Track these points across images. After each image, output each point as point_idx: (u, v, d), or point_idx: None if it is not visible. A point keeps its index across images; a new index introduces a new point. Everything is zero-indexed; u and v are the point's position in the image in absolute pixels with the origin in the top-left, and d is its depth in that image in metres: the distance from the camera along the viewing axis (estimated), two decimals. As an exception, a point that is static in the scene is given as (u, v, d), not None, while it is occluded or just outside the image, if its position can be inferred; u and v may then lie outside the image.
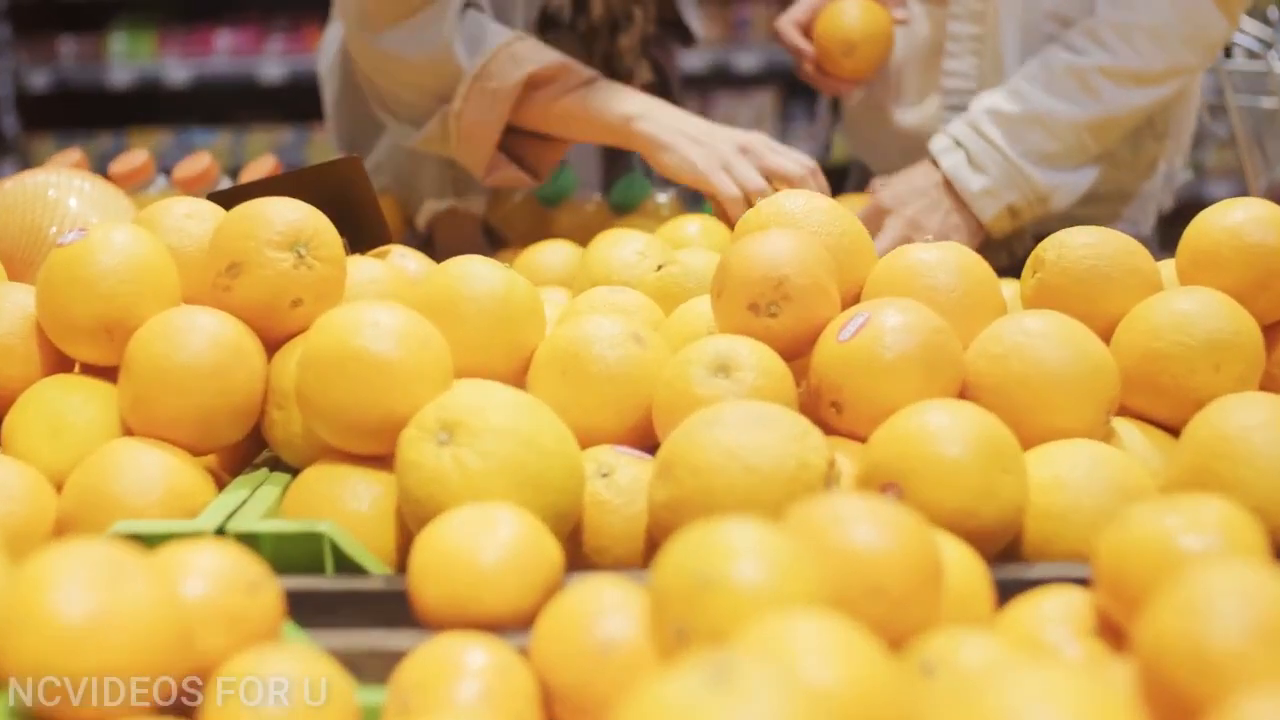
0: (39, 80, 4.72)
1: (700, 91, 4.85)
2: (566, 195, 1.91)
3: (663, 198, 1.95)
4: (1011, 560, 0.97)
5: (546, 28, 1.83)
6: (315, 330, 1.01)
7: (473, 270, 1.11)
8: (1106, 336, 1.10)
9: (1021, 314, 1.09)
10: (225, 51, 4.75)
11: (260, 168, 1.94)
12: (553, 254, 1.59)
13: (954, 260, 1.13)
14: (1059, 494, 0.97)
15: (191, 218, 1.21)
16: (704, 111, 4.91)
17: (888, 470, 0.94)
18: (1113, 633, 0.79)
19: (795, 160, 1.56)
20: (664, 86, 2.03)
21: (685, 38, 2.06)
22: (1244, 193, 2.20)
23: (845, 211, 1.19)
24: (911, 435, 0.95)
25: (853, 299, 1.15)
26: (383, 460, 1.00)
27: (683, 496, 0.92)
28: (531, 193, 1.93)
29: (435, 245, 1.91)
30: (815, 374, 1.06)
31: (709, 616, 0.69)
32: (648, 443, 1.08)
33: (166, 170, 1.94)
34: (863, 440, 1.03)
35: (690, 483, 0.92)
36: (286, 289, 1.07)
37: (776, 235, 1.09)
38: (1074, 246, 1.16)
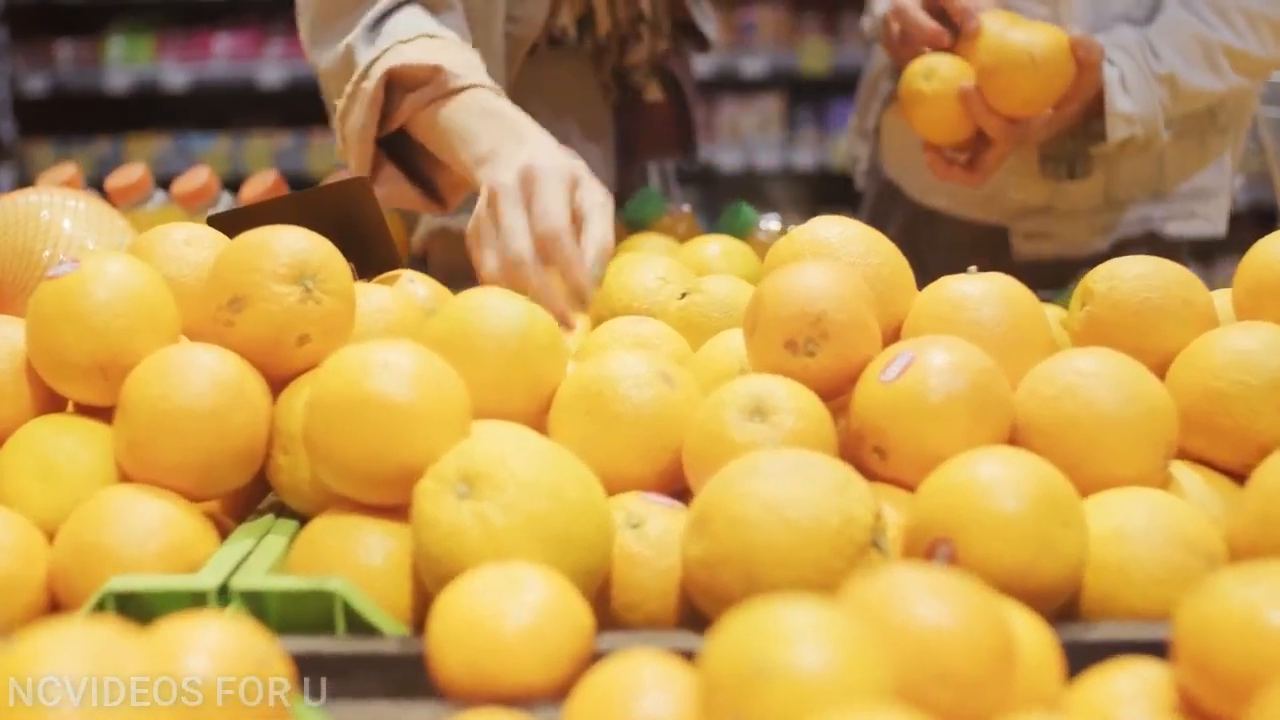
0: (36, 85, 4.67)
1: (705, 97, 4.78)
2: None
3: (680, 209, 1.89)
4: (1066, 618, 0.90)
5: (553, 47, 1.77)
6: (324, 372, 0.94)
7: (489, 304, 1.04)
8: (1159, 374, 1.04)
9: (1073, 352, 1.02)
10: (224, 55, 4.70)
11: (261, 182, 1.88)
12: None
13: (999, 292, 1.07)
14: (1118, 547, 0.91)
15: (190, 245, 1.15)
16: (709, 118, 4.88)
17: (938, 525, 0.88)
18: (1196, 714, 0.73)
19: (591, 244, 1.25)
20: (679, 102, 1.97)
21: (699, 43, 1.99)
22: (1272, 203, 2.16)
23: (883, 240, 1.13)
24: (963, 487, 0.88)
25: (892, 334, 1.09)
26: (397, 509, 0.94)
27: (719, 552, 0.86)
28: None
29: (430, 265, 1.84)
30: (857, 417, 0.99)
31: (766, 708, 0.62)
32: (677, 488, 1.01)
33: (164, 182, 1.88)
34: (908, 487, 0.97)
35: (727, 538, 0.86)
36: (293, 325, 1.01)
37: (813, 268, 1.02)
38: (1126, 278, 1.10)
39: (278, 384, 1.03)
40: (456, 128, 1.36)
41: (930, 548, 0.88)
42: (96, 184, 1.89)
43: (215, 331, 1.02)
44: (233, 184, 2.00)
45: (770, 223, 1.88)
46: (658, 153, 2.05)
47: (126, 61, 4.69)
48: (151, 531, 0.94)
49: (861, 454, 0.99)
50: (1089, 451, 0.97)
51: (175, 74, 4.64)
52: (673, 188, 2.15)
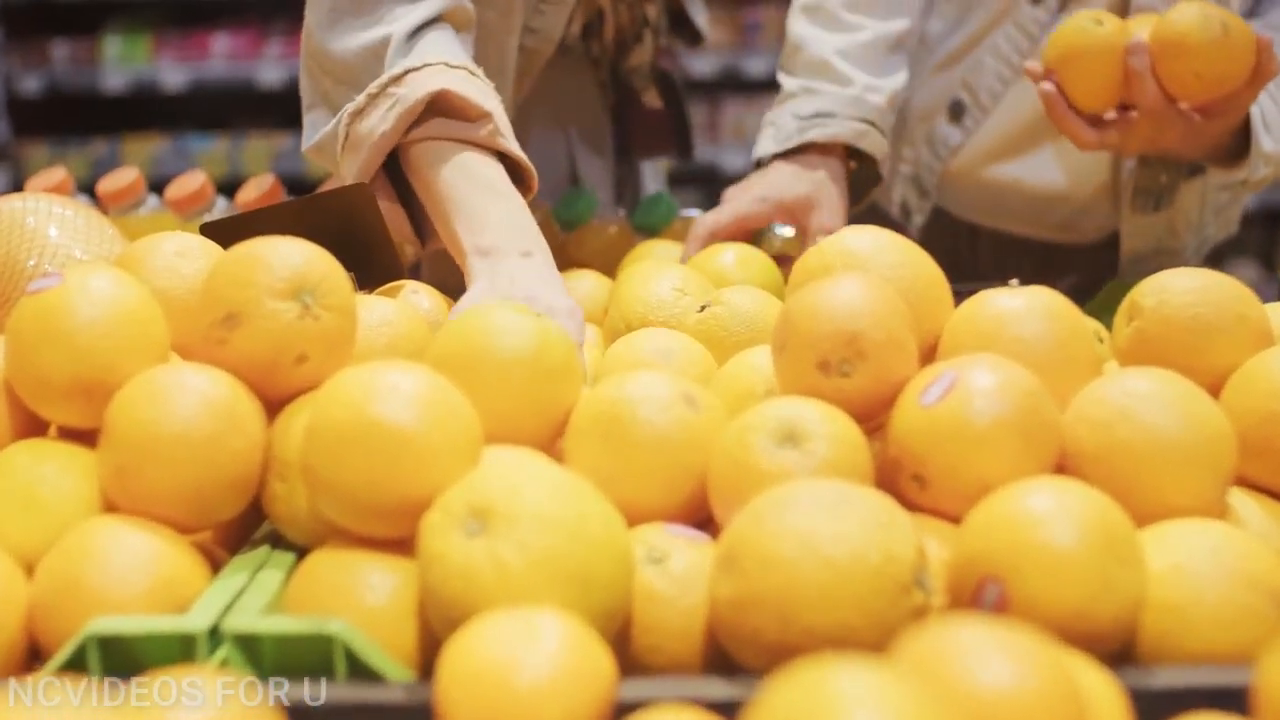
0: (31, 85, 4.62)
1: (709, 97, 4.73)
2: (586, 218, 1.78)
3: (690, 214, 1.82)
4: (1120, 660, 0.84)
5: (557, 54, 1.71)
6: (324, 395, 0.88)
7: (500, 321, 0.98)
8: (1211, 394, 0.98)
9: (1125, 373, 0.96)
10: (222, 55, 4.64)
11: (258, 186, 1.81)
12: (578, 287, 1.46)
13: (1044, 307, 1.00)
14: (1178, 584, 0.84)
15: (182, 256, 1.08)
16: (713, 118, 4.82)
17: (986, 563, 0.81)
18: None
19: None
20: (674, 102, 1.91)
21: (692, 38, 1.93)
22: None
23: (916, 249, 1.06)
24: (1013, 521, 0.82)
25: (928, 351, 1.03)
26: (402, 542, 0.87)
27: (750, 593, 0.80)
28: (548, 215, 1.80)
29: (424, 273, 1.78)
30: (895, 443, 0.93)
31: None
32: (700, 517, 0.95)
33: (161, 183, 1.81)
34: (949, 518, 0.91)
35: (759, 577, 0.79)
36: (290, 343, 0.94)
37: (847, 283, 0.96)
38: (1176, 292, 1.03)
39: (274, 406, 0.96)
40: (461, 196, 1.28)
41: (978, 587, 0.81)
42: (91, 186, 1.83)
43: (207, 350, 0.95)
44: (231, 185, 1.94)
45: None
46: (652, 152, 2.00)
47: (123, 61, 4.64)
48: (138, 567, 0.88)
49: (899, 482, 0.93)
50: (1143, 479, 0.91)
51: (173, 74, 4.59)
52: (664, 186, 2.09)
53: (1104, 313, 1.53)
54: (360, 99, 1.31)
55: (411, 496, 0.85)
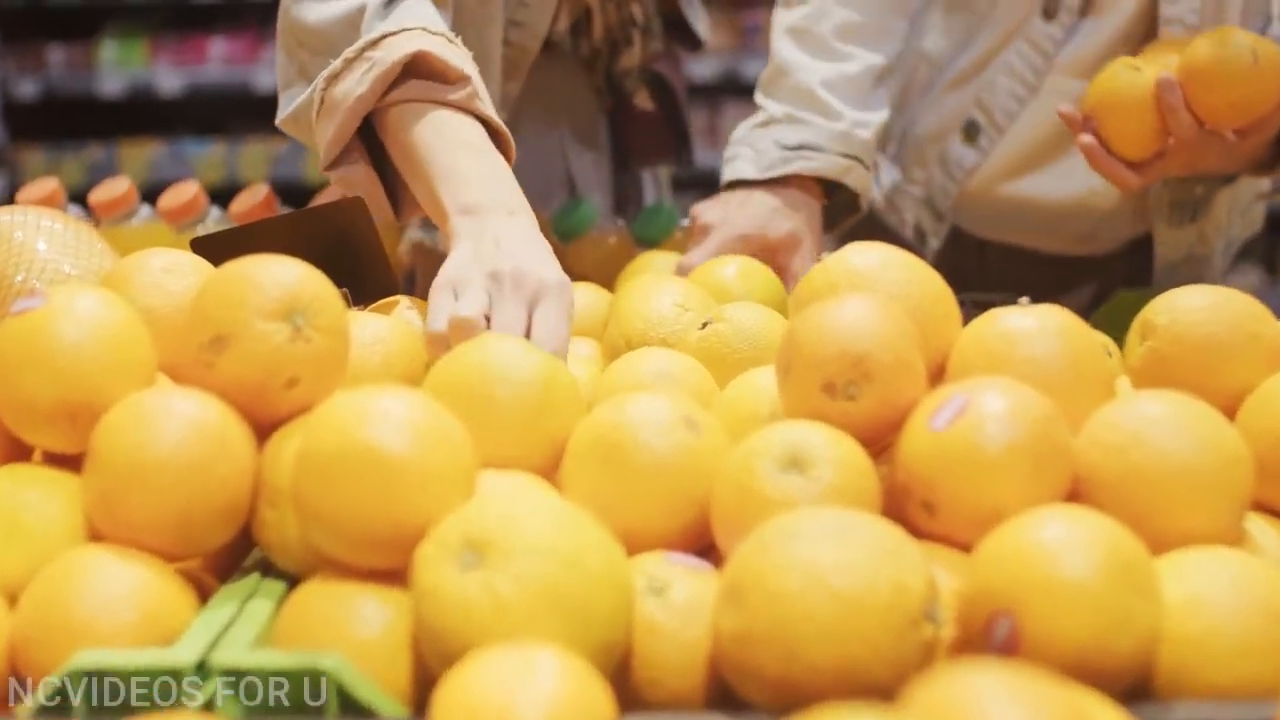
0: (27, 89, 4.59)
1: (709, 100, 4.71)
2: (585, 228, 1.75)
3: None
4: (1136, 693, 0.81)
5: (546, 52, 1.68)
6: (315, 421, 0.85)
7: (504, 350, 0.95)
8: (1227, 415, 0.95)
9: (1140, 395, 0.93)
10: (219, 60, 4.62)
11: (252, 197, 1.79)
12: (576, 300, 1.43)
13: (1056, 326, 0.98)
14: (1196, 616, 0.82)
15: (170, 273, 1.05)
16: (713, 122, 4.79)
17: (998, 595, 0.79)
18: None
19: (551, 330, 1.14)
20: (669, 106, 1.88)
21: (691, 42, 1.91)
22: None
23: (923, 266, 1.04)
24: (1026, 552, 0.79)
25: (936, 371, 1.00)
26: (396, 573, 0.85)
27: (755, 627, 0.77)
28: (546, 225, 1.77)
29: (415, 282, 1.75)
30: (903, 468, 0.90)
31: None
32: (702, 544, 0.92)
33: (158, 188, 1.79)
34: (958, 545, 0.88)
35: (764, 611, 0.77)
36: (281, 366, 0.91)
37: (854, 303, 0.93)
38: (1189, 310, 1.01)
39: (264, 431, 0.93)
40: (441, 156, 1.24)
41: (989, 621, 0.79)
42: (87, 190, 1.81)
43: (195, 373, 0.93)
44: (228, 190, 1.91)
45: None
46: (651, 160, 1.97)
47: (119, 65, 4.61)
48: (124, 598, 0.85)
49: (907, 508, 0.90)
50: (1159, 506, 0.88)
51: (169, 78, 4.57)
52: (668, 196, 2.07)
53: (1111, 324, 1.50)
54: (336, 63, 1.27)
55: (405, 526, 0.82)
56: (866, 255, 1.03)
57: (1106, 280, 1.77)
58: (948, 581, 0.84)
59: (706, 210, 1.60)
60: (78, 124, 4.68)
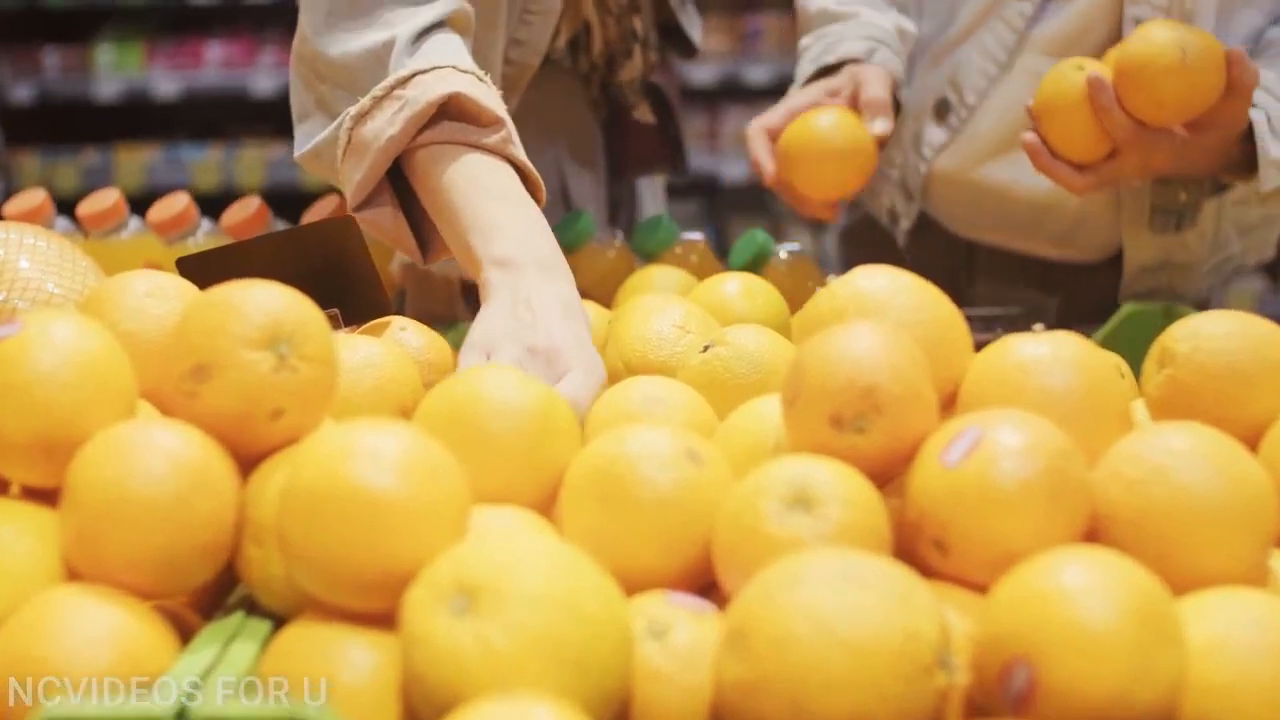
0: (22, 93, 4.57)
1: (709, 105, 4.68)
2: (584, 241, 1.72)
3: (692, 237, 1.76)
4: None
5: (544, 67, 1.65)
6: (299, 457, 0.81)
7: (501, 383, 0.92)
8: (1250, 447, 0.92)
9: (1161, 428, 0.90)
10: (216, 63, 4.60)
11: (244, 208, 1.75)
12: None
13: (1071, 355, 0.94)
14: (1220, 661, 0.78)
15: (153, 296, 1.02)
16: (713, 127, 4.76)
17: (1015, 642, 0.75)
18: None
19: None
20: (665, 115, 1.85)
21: (685, 49, 1.88)
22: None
23: (932, 290, 1.00)
24: (1045, 597, 0.76)
25: (947, 400, 0.96)
26: (385, 615, 0.81)
27: (760, 676, 0.74)
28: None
29: (406, 300, 1.71)
30: (914, 505, 0.86)
31: None
32: (704, 582, 0.89)
33: (151, 197, 1.76)
34: (972, 586, 0.84)
35: (770, 659, 0.74)
36: (265, 396, 0.88)
37: (862, 331, 0.89)
38: (1211, 337, 0.98)
39: (248, 464, 0.90)
40: (474, 204, 1.21)
41: (1005, 670, 0.75)
42: (82, 194, 1.78)
43: (177, 403, 0.89)
44: (224, 195, 1.88)
45: (791, 246, 1.75)
46: (647, 168, 1.94)
47: (116, 69, 4.59)
48: (102, 641, 0.81)
49: (918, 547, 0.87)
50: (1181, 543, 0.85)
51: (166, 82, 4.54)
52: (662, 203, 2.04)
53: (1119, 340, 1.47)
54: (365, 101, 1.24)
55: (394, 568, 0.79)
56: (875, 279, 0.99)
57: (1090, 291, 1.73)
58: (961, 624, 0.81)
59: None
60: (73, 128, 4.66)
